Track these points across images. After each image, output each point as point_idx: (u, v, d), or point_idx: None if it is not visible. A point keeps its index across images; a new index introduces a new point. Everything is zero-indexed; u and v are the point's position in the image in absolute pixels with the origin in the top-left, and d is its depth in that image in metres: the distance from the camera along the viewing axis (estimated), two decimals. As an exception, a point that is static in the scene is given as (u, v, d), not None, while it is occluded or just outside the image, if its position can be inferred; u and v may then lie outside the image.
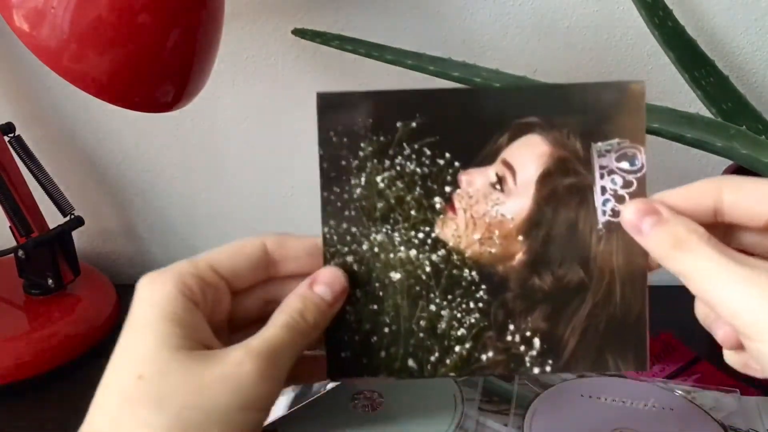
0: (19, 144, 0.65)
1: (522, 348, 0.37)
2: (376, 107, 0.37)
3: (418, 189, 0.37)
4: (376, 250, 0.38)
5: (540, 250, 0.37)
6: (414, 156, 0.37)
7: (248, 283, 0.37)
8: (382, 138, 0.37)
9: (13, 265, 0.66)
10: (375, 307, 0.38)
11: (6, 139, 0.64)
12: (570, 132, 0.37)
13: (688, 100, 0.57)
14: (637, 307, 0.37)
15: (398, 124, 0.37)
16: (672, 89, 0.60)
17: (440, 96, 0.37)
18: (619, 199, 0.36)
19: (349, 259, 0.38)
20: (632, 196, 0.36)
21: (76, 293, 0.67)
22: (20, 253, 0.64)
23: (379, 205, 0.38)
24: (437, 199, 0.38)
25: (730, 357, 0.35)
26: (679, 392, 0.47)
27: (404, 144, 0.37)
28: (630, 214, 0.35)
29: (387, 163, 0.37)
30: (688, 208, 0.34)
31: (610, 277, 0.37)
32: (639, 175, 0.36)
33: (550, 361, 0.37)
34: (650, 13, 0.56)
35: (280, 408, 0.47)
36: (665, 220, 0.34)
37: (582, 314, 0.37)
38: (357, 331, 0.38)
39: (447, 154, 0.37)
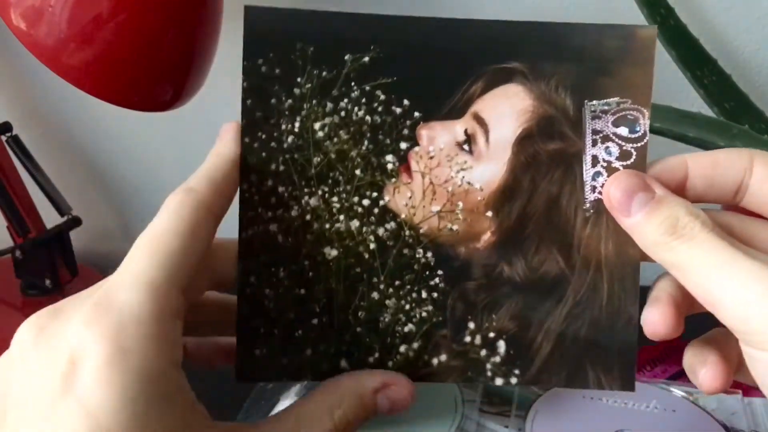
0: (17, 144, 0.64)
1: (483, 352, 0.30)
2: (320, 32, 0.29)
3: (366, 142, 0.30)
4: (308, 217, 0.30)
5: (513, 231, 0.30)
6: (364, 100, 0.29)
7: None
8: (324, 73, 0.29)
9: (10, 265, 0.65)
10: (302, 291, 0.30)
11: (3, 138, 0.63)
12: (559, 84, 0.30)
13: (690, 99, 0.56)
14: (627, 310, 0.30)
15: (347, 57, 0.29)
16: (674, 88, 0.59)
17: (403, 25, 0.29)
18: (613, 173, 0.29)
19: (273, 227, 0.29)
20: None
21: (73, 294, 0.67)
22: (17, 253, 0.64)
23: (316, 159, 0.29)
24: (390, 157, 0.30)
25: None
26: (681, 393, 0.47)
27: (352, 83, 0.29)
28: (615, 189, 0.28)
29: (329, 106, 0.29)
30: (715, 177, 0.28)
31: (596, 270, 0.30)
32: (640, 144, 0.29)
33: (516, 371, 0.30)
34: (652, 11, 0.55)
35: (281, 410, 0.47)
36: (660, 199, 0.27)
37: (559, 315, 0.30)
38: (277, 321, 0.29)
39: (405, 101, 0.30)
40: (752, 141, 0.44)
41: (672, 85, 0.59)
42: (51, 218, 0.65)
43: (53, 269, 0.65)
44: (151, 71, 0.47)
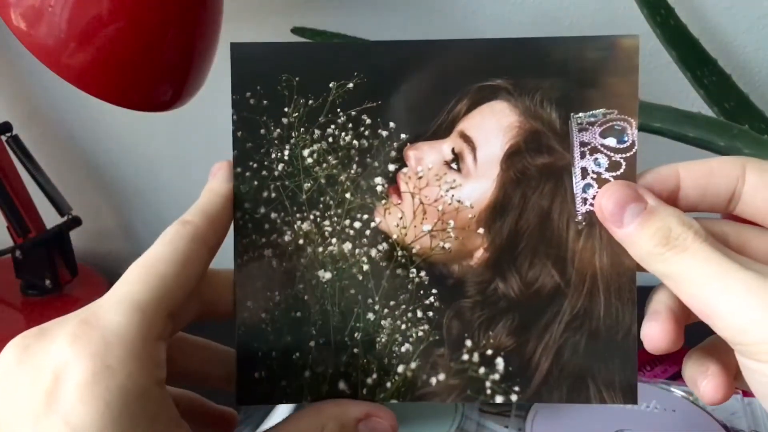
0: (17, 144, 0.64)
1: (481, 370, 0.30)
2: (303, 63, 0.30)
3: (354, 166, 0.30)
4: (301, 242, 0.30)
5: (505, 247, 0.30)
6: (350, 125, 0.30)
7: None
8: (311, 102, 0.30)
9: (10, 265, 0.65)
10: (298, 314, 0.30)
11: (3, 138, 0.63)
12: (544, 98, 0.30)
13: (690, 99, 0.56)
14: (625, 321, 0.29)
15: (331, 85, 0.30)
16: (674, 88, 0.59)
17: (383, 50, 0.30)
18: (603, 184, 0.29)
19: (267, 252, 0.30)
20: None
21: (73, 294, 0.66)
22: (17, 253, 0.64)
23: (306, 185, 0.30)
24: (378, 179, 0.30)
25: None
26: (681, 393, 0.47)
27: (338, 109, 0.30)
28: (606, 201, 0.28)
29: (317, 133, 0.30)
30: (708, 186, 0.28)
31: (592, 283, 0.29)
32: (628, 154, 0.29)
33: (516, 388, 0.30)
34: (652, 11, 0.55)
35: (281, 414, 0.47)
36: (652, 209, 0.27)
37: (557, 329, 0.30)
38: (275, 344, 0.30)
39: (391, 124, 0.30)
40: (752, 141, 0.44)
41: (672, 85, 0.59)
42: (51, 218, 0.65)
43: (53, 269, 0.64)
44: (150, 71, 0.47)
